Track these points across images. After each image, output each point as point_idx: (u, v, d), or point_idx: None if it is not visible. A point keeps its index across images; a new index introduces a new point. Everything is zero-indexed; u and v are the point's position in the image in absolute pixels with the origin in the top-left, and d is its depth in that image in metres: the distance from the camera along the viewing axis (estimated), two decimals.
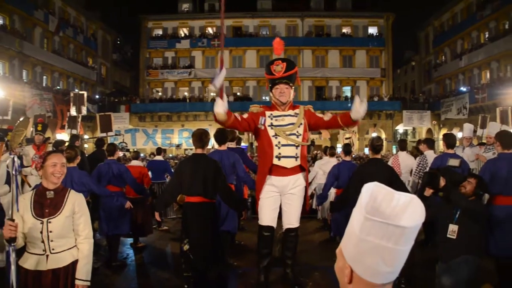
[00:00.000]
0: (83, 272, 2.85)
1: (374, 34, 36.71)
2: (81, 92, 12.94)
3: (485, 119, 11.59)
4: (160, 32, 37.67)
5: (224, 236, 5.58)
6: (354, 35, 36.67)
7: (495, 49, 28.24)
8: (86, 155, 8.59)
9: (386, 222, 0.94)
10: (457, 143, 7.55)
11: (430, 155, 6.74)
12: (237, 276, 5.36)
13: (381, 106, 34.14)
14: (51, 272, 2.78)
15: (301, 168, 4.46)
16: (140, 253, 6.79)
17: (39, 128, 7.76)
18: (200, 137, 4.51)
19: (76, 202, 2.89)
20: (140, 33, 37.62)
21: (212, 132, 5.55)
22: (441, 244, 3.86)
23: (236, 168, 5.55)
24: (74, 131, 12.31)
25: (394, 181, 4.56)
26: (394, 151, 26.18)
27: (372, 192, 1.00)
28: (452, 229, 3.73)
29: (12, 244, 2.64)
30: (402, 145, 8.16)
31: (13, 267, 2.68)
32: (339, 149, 17.26)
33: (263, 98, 33.69)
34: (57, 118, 26.02)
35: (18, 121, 7.73)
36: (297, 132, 4.34)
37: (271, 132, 4.33)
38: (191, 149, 25.31)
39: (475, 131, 10.48)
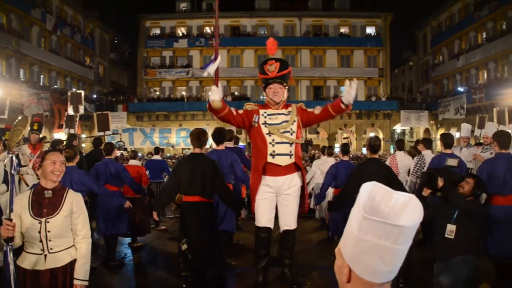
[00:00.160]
0: (81, 271, 2.84)
1: (372, 34, 36.74)
2: (78, 91, 12.91)
3: (483, 119, 11.61)
4: (158, 31, 37.61)
5: (222, 235, 5.57)
6: (352, 35, 36.69)
7: (493, 49, 28.32)
8: (84, 155, 8.58)
9: (384, 222, 0.94)
10: (455, 143, 7.56)
11: (427, 155, 6.76)
12: (235, 275, 5.36)
13: (378, 106, 34.20)
14: (49, 271, 2.77)
15: (296, 167, 4.44)
16: (138, 253, 6.79)
17: (35, 127, 7.73)
18: (198, 137, 4.50)
19: (74, 201, 2.88)
20: (138, 32, 37.55)
21: (210, 132, 5.55)
22: (439, 244, 3.87)
23: (234, 167, 5.55)
24: (71, 131, 12.28)
25: (392, 181, 4.57)
26: (392, 151, 26.20)
27: (371, 191, 1.00)
28: (450, 229, 3.74)
29: (10, 244, 2.64)
30: (399, 145, 8.18)
31: (11, 267, 2.67)
32: (337, 149, 17.28)
33: (261, 97, 33.52)
34: (55, 117, 25.97)
35: (17, 120, 7.71)
36: (291, 129, 4.33)
37: (265, 130, 4.32)
38: (188, 149, 25.29)
39: (472, 131, 10.50)
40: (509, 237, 4.34)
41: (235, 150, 6.40)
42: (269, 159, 4.28)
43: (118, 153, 14.09)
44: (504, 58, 27.58)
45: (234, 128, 8.00)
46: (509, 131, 11.19)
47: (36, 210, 2.77)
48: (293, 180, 4.40)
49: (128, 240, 7.27)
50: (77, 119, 12.71)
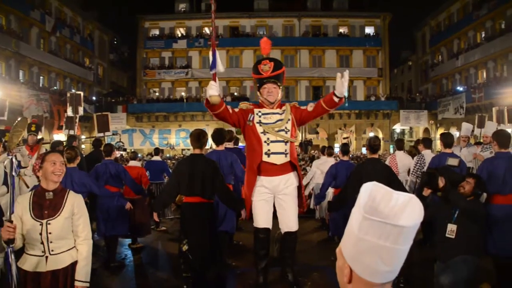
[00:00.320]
0: (83, 273, 2.84)
1: (371, 34, 36.77)
2: (77, 92, 12.89)
3: (483, 119, 11.62)
4: (157, 32, 37.61)
5: (222, 236, 5.58)
6: (351, 35, 36.71)
7: (492, 48, 28.33)
8: (84, 156, 8.58)
9: (384, 222, 0.94)
10: (455, 143, 7.57)
11: (427, 155, 6.76)
12: (236, 276, 5.36)
13: (378, 106, 34.22)
14: (51, 273, 2.77)
15: (291, 166, 4.43)
16: (138, 254, 6.78)
17: (33, 128, 7.72)
18: (198, 138, 4.51)
19: (75, 203, 2.88)
20: (137, 33, 37.54)
21: (209, 133, 5.55)
22: (439, 244, 3.87)
23: (234, 168, 5.55)
24: (71, 132, 12.27)
25: (392, 181, 4.57)
26: (392, 150, 26.22)
27: (371, 191, 1.00)
28: (451, 229, 3.75)
29: (11, 246, 2.64)
30: (399, 144, 8.18)
31: (13, 269, 2.67)
32: (336, 149, 17.26)
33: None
34: (54, 118, 25.96)
35: (16, 122, 7.71)
36: (286, 128, 4.32)
37: (259, 129, 4.31)
38: (188, 149, 25.30)
39: (472, 131, 10.51)
40: (509, 236, 4.34)
41: (235, 151, 6.40)
42: (264, 158, 4.26)
43: (117, 154, 14.09)
44: (503, 57, 27.60)
45: (233, 129, 8.00)
46: (509, 130, 11.26)
47: (37, 212, 2.76)
48: (289, 180, 4.39)
49: (128, 241, 7.26)
50: (77, 120, 12.70)
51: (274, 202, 4.49)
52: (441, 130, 31.83)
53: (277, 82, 4.38)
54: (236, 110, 4.42)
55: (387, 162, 7.41)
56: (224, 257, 5.52)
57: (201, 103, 33.33)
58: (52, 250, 2.77)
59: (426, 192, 3.83)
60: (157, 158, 9.49)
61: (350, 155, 15.15)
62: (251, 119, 4.34)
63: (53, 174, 2.83)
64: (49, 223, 2.75)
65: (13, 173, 2.84)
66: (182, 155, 22.96)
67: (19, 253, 2.85)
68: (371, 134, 33.15)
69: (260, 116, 4.35)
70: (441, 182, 3.73)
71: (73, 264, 2.85)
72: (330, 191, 6.98)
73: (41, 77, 30.04)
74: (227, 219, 5.65)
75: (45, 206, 2.79)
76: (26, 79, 27.73)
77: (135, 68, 38.49)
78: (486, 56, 29.16)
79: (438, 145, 20.47)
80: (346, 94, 4.18)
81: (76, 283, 2.81)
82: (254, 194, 4.38)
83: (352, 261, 1.02)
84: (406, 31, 60.13)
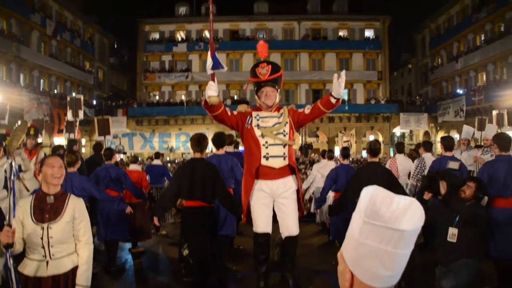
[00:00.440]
0: (83, 278, 2.83)
1: (371, 37, 36.82)
2: (77, 96, 12.93)
3: (483, 122, 11.62)
4: (157, 35, 37.68)
5: (223, 240, 5.57)
6: (351, 38, 36.77)
7: (491, 51, 28.36)
8: (84, 160, 8.57)
9: (385, 226, 0.94)
10: (455, 146, 7.57)
11: (428, 158, 6.76)
12: (236, 281, 5.35)
13: (378, 109, 34.23)
14: (51, 278, 2.76)
15: (290, 169, 4.41)
16: (138, 258, 6.77)
17: (32, 132, 7.70)
18: (198, 142, 4.50)
19: (76, 207, 2.87)
20: (137, 37, 37.60)
21: (210, 136, 5.56)
22: (440, 248, 3.86)
23: (235, 172, 5.55)
24: (71, 135, 12.30)
25: (392, 184, 4.56)
26: (392, 153, 26.22)
27: (372, 195, 1.00)
28: (452, 233, 3.74)
29: (10, 250, 2.63)
30: (399, 148, 8.18)
31: (12, 273, 2.66)
32: (337, 152, 17.28)
33: None
34: (54, 122, 25.98)
35: (16, 125, 7.71)
36: (284, 131, 4.30)
37: (257, 132, 4.28)
38: (188, 153, 25.30)
39: (473, 134, 10.50)
40: (510, 239, 4.33)
41: (235, 155, 6.40)
42: (263, 161, 4.24)
43: (118, 158, 14.09)
44: (503, 60, 27.63)
45: (234, 133, 8.00)
46: (510, 133, 11.25)
47: (38, 216, 2.76)
48: (288, 183, 4.36)
49: (128, 245, 7.25)
50: (77, 124, 12.73)
51: (273, 206, 4.47)
52: (441, 133, 31.87)
53: (275, 85, 4.36)
54: (235, 112, 4.41)
55: (387, 166, 7.41)
56: (224, 261, 5.52)
57: (201, 106, 33.27)
58: (53, 255, 2.77)
59: (427, 195, 3.83)
60: (157, 162, 9.49)
61: (351, 159, 15.14)
62: (249, 122, 4.33)
63: (52, 177, 2.82)
64: (50, 227, 2.74)
65: (13, 177, 2.83)
66: (182, 159, 22.96)
67: (20, 257, 2.85)
68: (371, 138, 33.15)
69: (258, 120, 4.33)
70: (442, 189, 3.72)
71: (74, 269, 2.84)
72: (331, 195, 6.97)
73: (41, 81, 30.08)
74: (227, 223, 5.64)
75: (46, 210, 2.78)
76: (27, 82, 27.77)
77: (135, 72, 38.54)
78: (485, 59, 29.18)
79: (438, 148, 20.47)
80: (345, 96, 4.17)
81: None
82: (253, 199, 4.37)
83: (353, 266, 1.02)
84: (405, 34, 60.25)
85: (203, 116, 32.33)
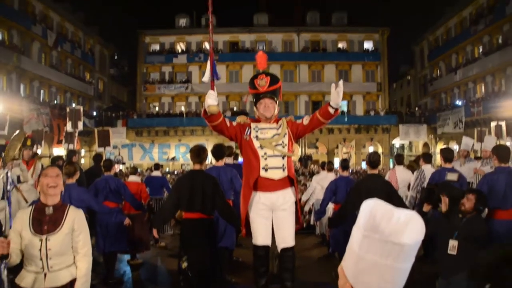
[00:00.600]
0: None
1: (370, 49, 37.04)
2: (77, 107, 12.93)
3: (482, 133, 11.66)
4: (157, 47, 37.89)
5: (222, 252, 5.54)
6: (350, 50, 36.98)
7: (489, 63, 28.52)
8: (83, 171, 8.56)
9: (384, 240, 0.94)
10: (455, 157, 7.58)
11: (427, 170, 6.76)
12: None
13: (377, 120, 34.30)
14: None
15: (289, 181, 4.40)
16: (137, 270, 6.72)
17: (28, 143, 7.70)
18: (198, 153, 4.49)
19: (75, 219, 2.85)
20: (138, 48, 37.81)
21: (209, 148, 5.56)
22: (441, 260, 3.84)
23: (234, 183, 5.54)
24: (71, 146, 12.28)
25: (392, 197, 4.55)
26: (391, 165, 26.20)
27: (372, 209, 1.00)
28: (453, 245, 3.72)
29: (4, 261, 2.61)
30: (399, 159, 8.19)
31: (5, 285, 2.64)
32: (336, 163, 17.25)
33: None
34: (54, 132, 25.98)
35: (14, 135, 7.70)
36: (283, 142, 4.28)
37: (256, 143, 4.27)
38: (188, 164, 25.28)
39: (473, 145, 10.51)
40: None
41: (235, 166, 6.39)
42: (262, 173, 4.22)
43: (117, 168, 14.07)
44: (501, 72, 27.77)
45: (233, 144, 7.99)
46: (509, 143, 11.28)
47: (37, 227, 2.73)
48: (287, 196, 4.34)
49: (127, 257, 7.20)
50: (76, 135, 12.73)
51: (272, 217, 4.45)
52: (440, 144, 31.88)
53: (274, 97, 4.36)
54: (234, 123, 4.40)
55: (387, 177, 7.41)
56: (224, 273, 5.47)
57: (201, 117, 33.37)
58: (51, 267, 2.74)
59: (426, 207, 3.82)
60: (157, 173, 9.49)
61: (350, 170, 15.12)
62: (248, 133, 4.32)
63: (48, 186, 2.80)
64: (48, 239, 2.72)
65: (9, 187, 2.83)
66: (182, 170, 22.94)
67: (18, 269, 2.82)
68: (371, 149, 33.17)
69: (257, 131, 4.33)
70: (444, 206, 3.69)
71: (72, 282, 2.81)
72: (330, 207, 6.95)
73: (41, 91, 30.16)
74: (227, 235, 5.61)
75: (45, 221, 2.76)
76: (27, 93, 27.83)
77: (135, 83, 38.67)
78: (484, 71, 29.33)
79: (438, 159, 20.48)
80: (344, 108, 4.17)
81: None
82: (252, 211, 4.34)
83: (353, 280, 1.01)
84: (404, 46, 60.64)
85: (202, 127, 32.37)
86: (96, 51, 39.05)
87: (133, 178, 7.88)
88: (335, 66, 36.44)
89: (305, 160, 23.88)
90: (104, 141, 12.50)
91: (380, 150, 33.15)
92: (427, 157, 7.30)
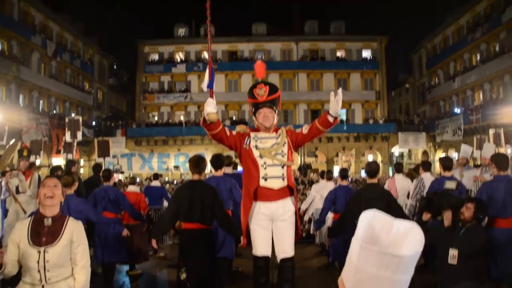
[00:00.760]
0: None
1: (368, 57, 37.20)
2: (76, 118, 12.96)
3: (482, 141, 11.67)
4: (156, 56, 38.02)
5: (221, 262, 5.51)
6: (348, 59, 37.14)
7: (487, 70, 28.65)
8: (82, 180, 8.55)
9: (382, 251, 0.93)
10: (454, 165, 7.58)
11: (427, 178, 6.76)
12: None
13: (376, 129, 34.34)
14: None
15: (289, 190, 4.39)
16: (136, 281, 6.69)
17: (25, 153, 7.68)
18: (197, 163, 4.49)
19: (74, 230, 2.83)
20: (137, 58, 37.94)
21: (208, 157, 5.55)
22: (441, 270, 3.83)
23: (233, 193, 5.53)
24: (70, 156, 12.28)
25: (391, 206, 4.54)
26: (391, 173, 26.19)
27: (371, 220, 0.99)
28: (453, 254, 3.71)
29: None
30: (398, 168, 8.20)
31: None
32: (336, 172, 17.24)
33: None
34: (53, 142, 25.97)
35: (8, 145, 7.71)
36: (282, 151, 4.28)
37: (256, 153, 4.26)
38: (187, 173, 25.24)
39: (472, 153, 10.51)
40: (511, 260, 4.30)
41: (234, 176, 6.39)
42: (262, 182, 4.20)
43: (116, 178, 14.05)
44: (499, 79, 27.89)
45: (232, 154, 8.00)
46: (508, 151, 11.30)
47: (35, 239, 2.72)
48: (287, 206, 4.33)
49: (126, 267, 7.17)
50: (75, 145, 12.73)
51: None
52: (439, 152, 31.91)
53: (273, 106, 4.36)
54: (234, 132, 4.40)
55: (386, 186, 7.41)
56: (223, 284, 5.44)
57: (200, 127, 33.41)
58: (49, 279, 2.71)
59: (426, 216, 3.81)
60: (156, 183, 9.47)
61: (349, 179, 15.10)
62: (247, 143, 4.32)
63: (45, 197, 2.79)
64: (46, 251, 2.70)
65: (2, 196, 2.83)
66: (181, 180, 22.91)
67: (16, 281, 2.80)
68: (370, 157, 33.18)
69: (256, 140, 4.32)
70: (447, 221, 3.67)
71: None
72: (330, 216, 6.94)
73: (41, 101, 30.20)
74: (226, 245, 5.59)
75: (43, 233, 2.74)
76: (26, 103, 27.88)
77: (134, 92, 38.76)
78: (482, 78, 29.46)
79: (437, 167, 20.46)
80: (343, 116, 4.17)
81: None
82: (252, 221, 4.33)
83: None
84: (402, 54, 61.01)
85: (202, 136, 32.38)
86: (96, 61, 39.17)
87: (132, 188, 7.87)
88: (333, 74, 36.58)
89: (304, 168, 23.87)
90: (104, 151, 12.51)
91: (379, 158, 33.17)
92: (426, 165, 7.31)
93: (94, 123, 35.66)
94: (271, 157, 4.19)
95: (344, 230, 4.87)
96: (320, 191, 8.19)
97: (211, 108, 3.92)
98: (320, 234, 8.25)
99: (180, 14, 78.18)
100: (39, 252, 2.69)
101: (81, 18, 38.52)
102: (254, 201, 4.21)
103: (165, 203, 8.99)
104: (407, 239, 0.96)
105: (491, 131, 12.52)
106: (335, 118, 4.08)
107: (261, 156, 4.21)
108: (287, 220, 4.28)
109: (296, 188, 4.59)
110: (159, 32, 50.24)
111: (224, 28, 35.05)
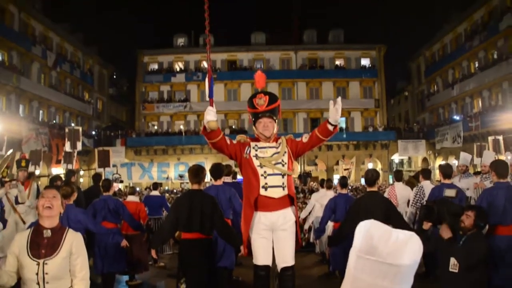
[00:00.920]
0: None
1: (367, 66, 37.36)
2: (76, 128, 12.98)
3: (482, 148, 11.68)
4: (155, 66, 38.17)
5: (221, 272, 5.48)
6: (347, 67, 37.30)
7: (486, 78, 28.76)
8: (82, 190, 8.54)
9: (379, 261, 0.93)
10: (454, 172, 7.58)
11: (427, 186, 6.75)
12: None
13: (376, 137, 34.39)
14: None
15: (289, 200, 4.38)
16: None
17: (23, 164, 7.65)
18: (196, 173, 4.49)
19: (74, 242, 2.82)
20: (136, 68, 38.08)
21: (208, 166, 5.56)
22: (443, 278, 3.81)
23: (233, 202, 5.52)
24: (69, 166, 12.27)
25: (391, 215, 4.52)
26: (391, 181, 26.15)
27: (368, 230, 0.99)
28: (454, 263, 3.69)
29: None
30: (398, 175, 8.18)
31: None
32: (336, 180, 17.20)
33: None
34: (52, 152, 25.97)
35: (6, 155, 7.69)
36: (282, 161, 4.27)
37: (256, 162, 4.26)
38: (187, 182, 25.19)
39: (472, 160, 10.51)
40: None
41: (233, 185, 6.38)
42: (262, 191, 4.20)
43: (116, 188, 14.03)
44: (497, 86, 27.98)
45: (232, 163, 7.99)
46: (509, 158, 11.30)
47: (35, 251, 2.70)
48: (288, 216, 4.32)
49: (125, 277, 7.13)
50: (75, 155, 12.72)
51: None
52: (439, 159, 31.90)
53: (273, 116, 4.37)
54: (234, 142, 4.40)
55: (386, 194, 7.39)
56: None
57: (200, 136, 33.49)
58: None
59: (426, 226, 3.80)
60: (155, 193, 9.47)
61: (350, 187, 15.08)
62: (248, 152, 4.32)
63: (42, 207, 2.78)
64: (46, 263, 2.69)
65: None
66: (181, 189, 22.87)
67: None
68: (370, 165, 33.16)
69: (256, 150, 4.33)
70: (446, 234, 3.65)
71: None
72: (330, 225, 6.91)
73: (40, 111, 30.26)
74: (226, 254, 5.56)
75: (43, 245, 2.73)
76: (26, 113, 27.93)
77: (134, 102, 38.85)
78: (480, 85, 29.55)
79: (437, 175, 20.44)
80: (342, 125, 4.17)
81: None
82: (252, 231, 4.32)
83: None
84: (401, 62, 61.26)
85: (201, 145, 32.42)
86: (95, 71, 39.31)
87: (131, 198, 7.85)
88: (332, 83, 36.72)
89: (304, 177, 23.83)
90: (104, 161, 12.52)
91: (379, 166, 33.17)
92: (426, 173, 7.30)
93: (93, 132, 35.71)
94: (271, 166, 4.19)
95: (344, 239, 4.85)
96: (320, 199, 8.17)
97: (211, 116, 3.93)
98: (321, 243, 8.22)
99: (179, 24, 78.78)
100: (38, 264, 2.68)
101: (81, 29, 38.90)
102: (255, 211, 4.20)
103: (165, 213, 8.98)
104: (407, 248, 0.96)
105: (490, 138, 12.54)
106: (335, 127, 4.08)
107: (261, 166, 4.21)
108: (288, 229, 4.26)
109: (296, 196, 4.58)
110: (158, 42, 50.58)
111: (223, 37, 35.34)
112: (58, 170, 21.66)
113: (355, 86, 36.82)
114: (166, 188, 24.96)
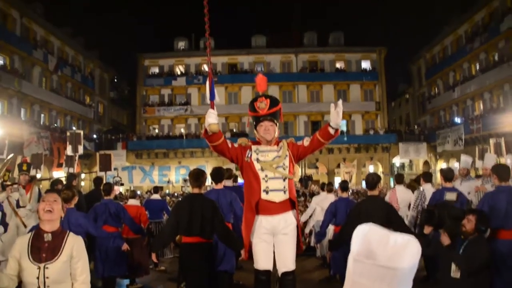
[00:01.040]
0: None
1: (368, 68, 37.34)
2: (77, 132, 13.00)
3: (484, 151, 11.66)
4: (156, 70, 38.21)
5: (222, 276, 5.47)
6: (348, 70, 37.29)
7: (486, 80, 28.68)
8: (83, 194, 8.54)
9: (376, 264, 0.93)
10: (456, 176, 7.55)
11: (428, 189, 6.74)
12: None
13: (377, 140, 34.34)
14: None
15: (291, 204, 4.37)
16: None
17: (24, 168, 7.67)
18: (197, 177, 4.49)
19: (74, 246, 2.82)
20: (137, 71, 38.13)
21: (209, 170, 5.55)
22: (444, 283, 3.79)
23: (234, 206, 5.51)
24: (71, 170, 12.30)
25: (391, 219, 4.51)
26: (392, 184, 26.11)
27: (366, 234, 0.99)
28: (455, 268, 3.67)
29: None
30: (399, 179, 8.17)
31: None
32: (337, 184, 17.19)
33: None
34: (54, 156, 26.00)
35: (6, 159, 7.70)
36: (284, 164, 4.26)
37: (257, 165, 4.25)
38: (188, 186, 25.18)
39: (473, 162, 10.48)
40: None
41: (234, 189, 6.37)
42: (263, 195, 4.18)
43: (117, 191, 14.04)
44: (498, 89, 27.91)
45: (233, 166, 7.99)
46: (508, 161, 11.27)
47: (35, 255, 2.71)
48: (289, 220, 4.31)
49: (126, 281, 7.12)
50: (76, 158, 12.74)
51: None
52: (441, 162, 31.84)
53: (274, 119, 4.36)
54: (236, 145, 4.40)
55: (387, 197, 7.39)
56: None
57: (201, 139, 33.51)
58: None
59: (427, 230, 3.78)
60: (156, 196, 9.46)
61: (351, 190, 15.06)
62: (249, 155, 4.31)
63: (43, 211, 2.78)
64: (47, 267, 2.69)
65: None
66: (182, 192, 22.86)
67: None
68: (371, 168, 33.12)
69: (257, 153, 4.32)
70: (446, 240, 3.64)
71: None
72: (331, 229, 6.90)
73: (42, 115, 30.32)
74: (226, 258, 5.55)
75: (44, 249, 2.73)
76: (28, 117, 28.00)
77: (135, 106, 38.88)
78: (481, 88, 29.47)
79: (438, 178, 20.43)
80: (343, 128, 4.15)
81: None
82: (253, 235, 4.31)
83: None
84: (402, 65, 61.27)
85: (202, 149, 32.42)
86: (96, 75, 39.39)
87: (132, 202, 7.86)
88: (333, 86, 36.71)
89: (305, 180, 23.82)
90: (106, 165, 12.55)
91: (380, 169, 33.12)
92: (427, 176, 7.29)
93: (95, 136, 35.76)
94: (273, 170, 4.18)
95: (344, 243, 4.84)
96: (321, 203, 8.15)
97: (212, 119, 3.92)
98: (321, 246, 8.20)
99: (179, 28, 78.95)
100: (39, 268, 2.68)
101: (82, 33, 38.79)
102: (256, 215, 4.19)
103: (166, 217, 8.97)
104: (406, 251, 0.96)
105: (492, 141, 12.51)
106: (336, 130, 4.08)
107: (262, 169, 4.20)
108: (289, 233, 4.25)
109: (297, 200, 4.57)
110: (159, 46, 50.69)
111: (223, 40, 35.48)
112: (60, 173, 21.67)
113: (356, 89, 36.81)
114: (167, 191, 24.96)
